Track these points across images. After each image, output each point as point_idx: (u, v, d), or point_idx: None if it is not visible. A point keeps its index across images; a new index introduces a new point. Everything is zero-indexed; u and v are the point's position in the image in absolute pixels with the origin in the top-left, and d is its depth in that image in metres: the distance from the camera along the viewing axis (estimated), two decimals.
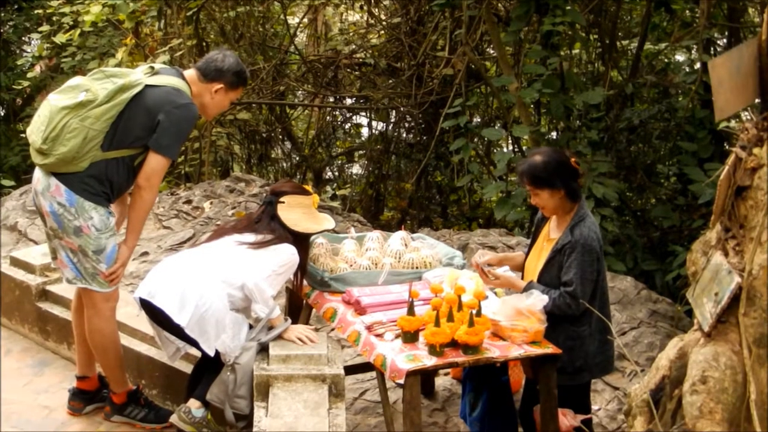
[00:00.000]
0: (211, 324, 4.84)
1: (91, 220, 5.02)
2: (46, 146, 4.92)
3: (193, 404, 4.98)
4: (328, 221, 5.35)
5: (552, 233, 5.07)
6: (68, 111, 4.91)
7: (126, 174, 5.10)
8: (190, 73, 5.24)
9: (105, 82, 5.01)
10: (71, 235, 5.06)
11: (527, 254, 5.26)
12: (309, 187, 5.46)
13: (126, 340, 5.74)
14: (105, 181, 5.04)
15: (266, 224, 5.15)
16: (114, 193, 5.15)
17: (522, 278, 5.15)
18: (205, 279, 4.92)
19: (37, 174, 5.14)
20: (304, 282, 5.43)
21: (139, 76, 5.07)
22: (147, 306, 4.95)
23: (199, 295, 4.84)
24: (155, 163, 5.06)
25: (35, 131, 4.99)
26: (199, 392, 4.99)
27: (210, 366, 4.98)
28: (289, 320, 5.12)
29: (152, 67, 5.19)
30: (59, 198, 5.02)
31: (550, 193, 4.94)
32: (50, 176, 5.04)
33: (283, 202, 5.19)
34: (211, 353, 4.88)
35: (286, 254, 5.04)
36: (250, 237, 5.09)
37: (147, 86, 5.03)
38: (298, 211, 5.20)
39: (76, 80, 5.11)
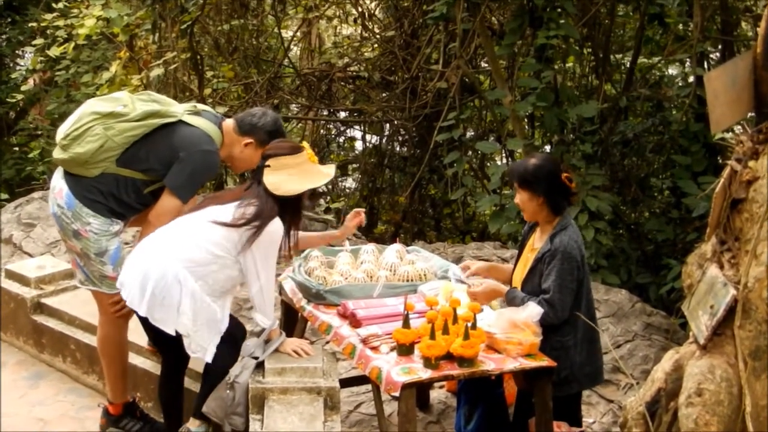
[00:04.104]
0: (170, 308, 4.68)
1: (88, 225, 5.06)
2: (66, 142, 5.01)
3: (193, 423, 4.94)
4: (320, 176, 4.97)
5: (536, 243, 5.09)
6: (98, 117, 5.00)
7: (134, 196, 5.13)
8: (229, 122, 5.29)
9: (147, 103, 5.10)
10: (72, 238, 5.11)
11: (515, 265, 5.28)
12: (305, 144, 5.05)
13: None
14: (110, 196, 5.07)
15: (254, 190, 4.89)
16: (120, 211, 5.13)
17: None
18: (164, 262, 4.72)
19: (54, 175, 5.22)
20: (301, 239, 5.27)
21: (180, 111, 5.14)
22: None
23: (156, 279, 4.67)
24: (167, 203, 5.07)
25: (64, 125, 5.09)
26: (197, 410, 4.95)
27: (204, 378, 4.95)
28: (284, 334, 5.09)
29: (196, 107, 5.27)
30: (59, 200, 5.09)
31: (529, 195, 4.96)
32: (60, 179, 5.12)
33: (269, 166, 4.87)
34: (172, 332, 4.73)
35: (266, 236, 4.78)
36: (229, 211, 4.82)
37: (181, 122, 5.09)
38: (282, 173, 4.86)
39: (122, 94, 5.24)
